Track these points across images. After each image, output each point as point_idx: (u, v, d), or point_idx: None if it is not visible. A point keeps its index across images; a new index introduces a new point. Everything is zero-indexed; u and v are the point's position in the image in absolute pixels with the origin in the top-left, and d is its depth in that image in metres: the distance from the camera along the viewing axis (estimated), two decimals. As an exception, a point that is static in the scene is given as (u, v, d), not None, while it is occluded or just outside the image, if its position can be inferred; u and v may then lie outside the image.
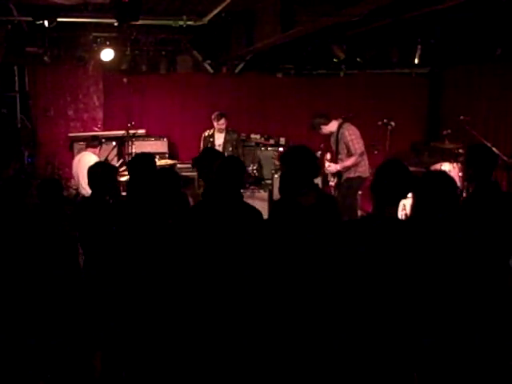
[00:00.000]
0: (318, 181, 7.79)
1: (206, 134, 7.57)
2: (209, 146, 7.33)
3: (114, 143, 8.23)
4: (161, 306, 3.27)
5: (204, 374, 3.20)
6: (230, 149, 7.36)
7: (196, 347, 3.25)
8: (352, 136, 6.25)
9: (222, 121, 7.41)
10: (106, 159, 7.42)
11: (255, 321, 3.18)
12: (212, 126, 7.59)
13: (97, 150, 7.24)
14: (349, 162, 6.26)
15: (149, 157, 4.55)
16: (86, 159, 7.05)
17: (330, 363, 2.91)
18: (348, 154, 6.31)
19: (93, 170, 4.06)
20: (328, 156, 6.52)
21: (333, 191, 6.49)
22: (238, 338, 3.22)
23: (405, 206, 5.63)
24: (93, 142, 7.28)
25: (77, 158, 7.33)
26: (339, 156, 6.40)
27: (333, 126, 6.39)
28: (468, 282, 3.01)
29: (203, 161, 4.32)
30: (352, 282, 2.79)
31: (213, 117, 7.49)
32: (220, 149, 7.28)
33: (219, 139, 7.48)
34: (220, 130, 7.47)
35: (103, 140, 7.79)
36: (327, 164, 6.44)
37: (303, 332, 3.07)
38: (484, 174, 3.72)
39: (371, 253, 2.73)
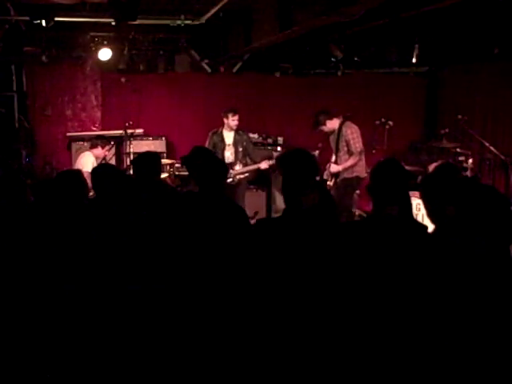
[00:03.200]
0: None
1: (216, 130, 7.04)
2: (219, 145, 6.95)
3: (111, 143, 8.22)
4: (154, 306, 3.28)
5: (198, 375, 3.20)
6: (240, 149, 6.99)
7: (188, 347, 3.25)
8: (354, 134, 6.33)
9: (237, 116, 6.89)
10: (104, 159, 7.41)
11: (248, 322, 3.18)
12: (219, 125, 7.15)
13: (97, 149, 7.10)
14: (350, 162, 6.32)
15: (154, 156, 4.58)
16: (81, 159, 7.02)
17: (330, 366, 2.90)
18: (348, 152, 6.35)
19: (96, 172, 4.06)
20: (333, 158, 6.56)
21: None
22: (230, 339, 3.22)
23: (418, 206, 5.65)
24: (94, 142, 7.22)
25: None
26: (339, 154, 6.44)
27: (335, 123, 6.45)
28: (469, 280, 3.01)
29: (193, 160, 4.30)
30: (352, 284, 2.79)
31: (225, 111, 6.96)
32: (230, 148, 6.99)
33: (229, 138, 7.01)
34: (231, 128, 6.94)
35: (108, 140, 7.56)
36: (329, 164, 6.45)
37: (302, 334, 3.07)
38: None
39: (371, 254, 2.73)
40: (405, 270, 2.70)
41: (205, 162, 3.82)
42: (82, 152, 7.78)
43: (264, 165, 6.82)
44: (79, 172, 4.15)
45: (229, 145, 7.02)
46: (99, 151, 7.08)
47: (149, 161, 4.49)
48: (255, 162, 6.96)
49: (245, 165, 6.96)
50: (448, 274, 2.83)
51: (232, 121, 6.90)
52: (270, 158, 7.18)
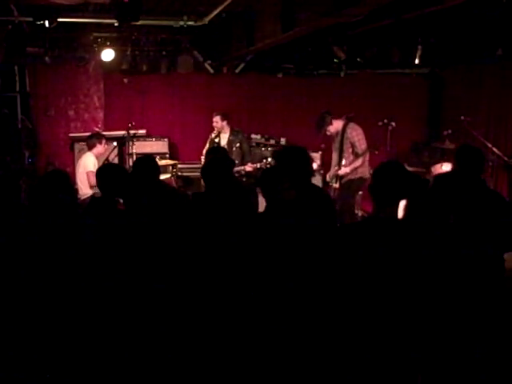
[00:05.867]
0: (319, 182, 7.82)
1: (213, 135, 7.33)
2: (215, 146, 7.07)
3: (114, 143, 8.21)
4: (159, 302, 3.28)
5: (198, 374, 3.20)
6: (234, 149, 7.11)
7: (192, 346, 3.25)
8: (359, 136, 6.36)
9: (216, 118, 7.18)
10: (107, 159, 7.41)
11: (248, 320, 3.18)
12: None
13: (96, 148, 6.90)
14: (357, 162, 6.35)
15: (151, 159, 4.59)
16: (82, 160, 6.92)
17: (331, 365, 2.90)
18: (353, 153, 6.37)
19: (101, 172, 4.06)
20: (334, 160, 6.58)
21: (333, 193, 6.50)
22: (232, 337, 3.22)
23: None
24: (89, 142, 6.96)
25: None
26: (343, 155, 6.44)
27: (339, 124, 6.46)
28: (466, 280, 3.01)
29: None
30: (352, 285, 2.79)
31: None
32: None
33: (224, 139, 7.26)
34: (219, 130, 7.23)
35: (102, 134, 7.28)
36: (336, 168, 6.46)
37: (302, 333, 3.07)
38: None
39: (370, 255, 2.73)
40: (402, 272, 2.69)
41: (207, 162, 3.94)
42: (85, 152, 7.78)
43: (248, 168, 6.97)
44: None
45: (223, 146, 7.12)
46: (99, 148, 6.93)
47: (148, 163, 4.49)
48: (247, 163, 7.05)
49: (237, 165, 6.99)
50: (447, 277, 2.82)
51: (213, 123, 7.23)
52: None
